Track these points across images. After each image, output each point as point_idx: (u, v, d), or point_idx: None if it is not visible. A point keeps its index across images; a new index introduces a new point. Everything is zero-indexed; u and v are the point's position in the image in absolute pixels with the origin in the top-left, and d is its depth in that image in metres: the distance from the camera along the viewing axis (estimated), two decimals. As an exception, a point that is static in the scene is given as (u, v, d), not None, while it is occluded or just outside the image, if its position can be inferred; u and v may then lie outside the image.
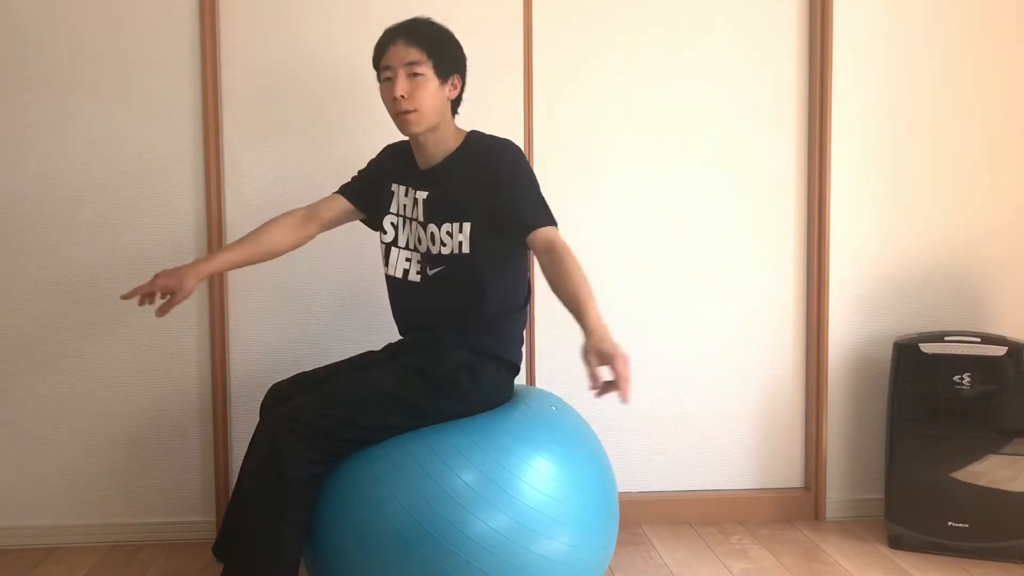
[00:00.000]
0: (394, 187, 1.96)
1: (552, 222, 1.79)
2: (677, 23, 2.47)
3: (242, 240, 1.96)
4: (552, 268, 1.69)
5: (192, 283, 1.85)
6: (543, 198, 1.83)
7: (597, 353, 1.50)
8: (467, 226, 1.83)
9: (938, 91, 2.51)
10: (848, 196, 2.50)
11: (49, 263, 2.35)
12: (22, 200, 2.34)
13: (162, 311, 1.83)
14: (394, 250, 1.95)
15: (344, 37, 2.38)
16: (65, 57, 2.32)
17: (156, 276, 1.84)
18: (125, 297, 1.85)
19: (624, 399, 1.48)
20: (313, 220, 2.01)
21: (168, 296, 1.84)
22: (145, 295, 1.84)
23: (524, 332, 1.97)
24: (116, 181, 2.36)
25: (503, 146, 1.87)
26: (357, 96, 2.39)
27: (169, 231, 2.37)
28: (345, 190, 2.04)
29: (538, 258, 1.75)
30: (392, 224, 1.95)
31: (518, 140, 2.40)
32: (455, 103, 1.93)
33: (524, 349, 2.04)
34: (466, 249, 1.83)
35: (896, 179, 2.52)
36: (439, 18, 1.91)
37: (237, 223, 2.38)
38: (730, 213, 2.52)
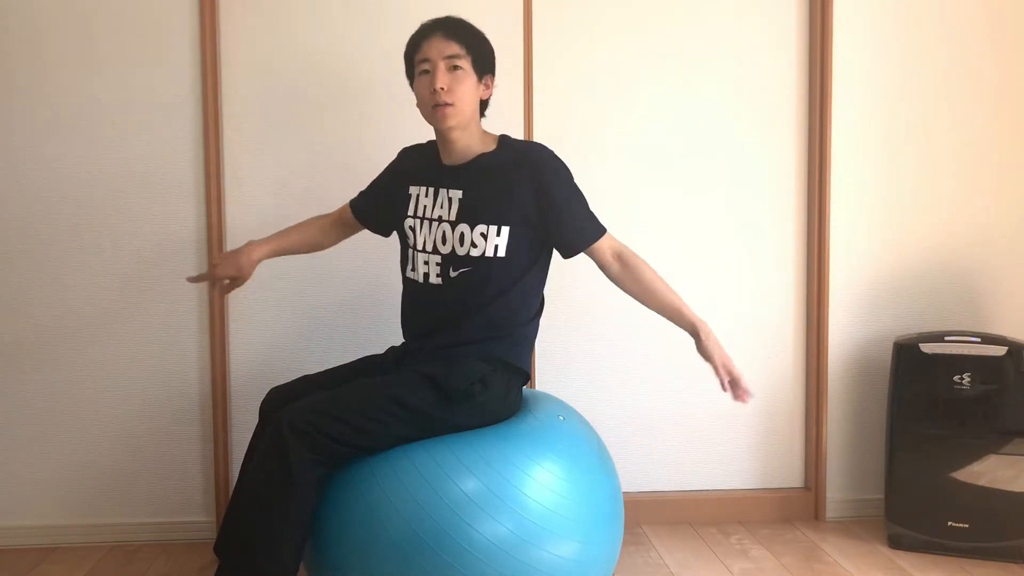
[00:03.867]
0: (412, 190, 1.95)
1: (605, 229, 1.91)
2: (677, 23, 2.47)
3: (290, 229, 2.09)
4: (631, 279, 1.89)
5: (250, 269, 2.00)
6: (588, 206, 1.91)
7: (724, 367, 1.85)
8: (505, 230, 1.82)
9: (938, 91, 2.51)
10: (848, 196, 2.50)
11: (49, 263, 2.35)
12: (22, 202, 2.34)
13: (222, 294, 2.14)
14: (412, 253, 1.93)
15: (345, 36, 2.38)
16: (64, 58, 2.32)
17: (214, 266, 2.00)
18: (191, 280, 2.06)
19: (746, 399, 1.87)
20: (337, 227, 2.13)
21: (229, 281, 2.01)
22: (209, 281, 2.04)
23: (534, 339, 1.96)
24: (116, 182, 2.35)
25: (548, 154, 1.90)
26: (358, 95, 2.39)
27: (169, 231, 2.37)
28: (354, 206, 2.10)
29: (605, 267, 1.91)
30: (411, 228, 1.93)
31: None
32: (483, 104, 1.93)
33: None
34: (501, 252, 1.82)
35: (896, 179, 2.52)
36: (440, 14, 1.90)
37: (237, 222, 2.38)
38: (730, 213, 2.52)
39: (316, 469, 1.62)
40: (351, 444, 1.65)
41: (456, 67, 1.81)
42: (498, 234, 1.82)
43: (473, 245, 1.84)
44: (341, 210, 2.12)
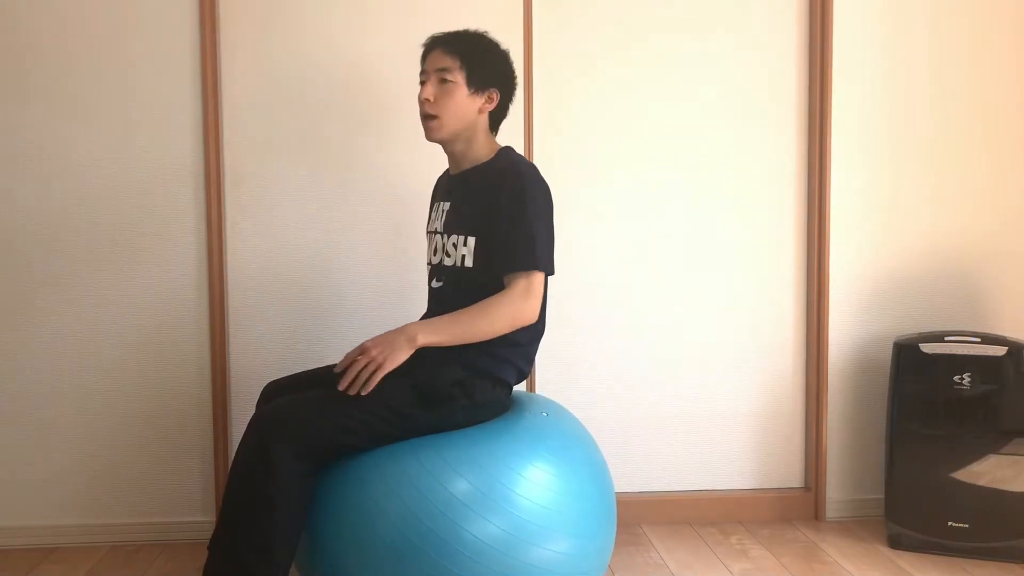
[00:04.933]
0: (434, 206, 2.00)
1: (533, 266, 1.72)
2: (676, 24, 2.47)
3: None
4: None
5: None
6: (540, 236, 1.74)
7: (364, 352, 1.66)
8: (471, 240, 1.81)
9: (938, 91, 2.51)
10: (848, 196, 2.50)
11: (49, 266, 2.35)
12: (22, 203, 2.34)
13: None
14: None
15: (345, 38, 2.38)
16: (64, 61, 2.32)
17: None
18: None
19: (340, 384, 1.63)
20: None
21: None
22: None
23: (528, 364, 1.88)
24: (116, 182, 2.35)
25: (517, 170, 1.79)
26: (359, 95, 2.39)
27: (169, 232, 2.37)
28: None
29: None
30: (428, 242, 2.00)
31: (518, 144, 2.41)
32: (495, 118, 1.90)
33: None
34: (468, 263, 1.81)
35: (896, 179, 2.52)
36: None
37: (237, 224, 2.38)
38: (730, 213, 2.51)
39: (299, 465, 1.60)
40: (334, 441, 1.65)
41: (445, 80, 1.80)
42: (465, 244, 1.81)
43: (447, 255, 1.85)
44: None
